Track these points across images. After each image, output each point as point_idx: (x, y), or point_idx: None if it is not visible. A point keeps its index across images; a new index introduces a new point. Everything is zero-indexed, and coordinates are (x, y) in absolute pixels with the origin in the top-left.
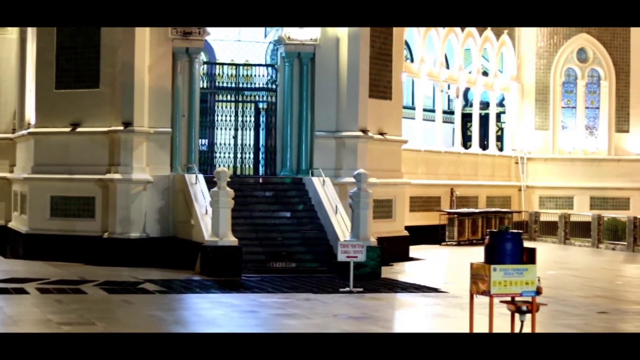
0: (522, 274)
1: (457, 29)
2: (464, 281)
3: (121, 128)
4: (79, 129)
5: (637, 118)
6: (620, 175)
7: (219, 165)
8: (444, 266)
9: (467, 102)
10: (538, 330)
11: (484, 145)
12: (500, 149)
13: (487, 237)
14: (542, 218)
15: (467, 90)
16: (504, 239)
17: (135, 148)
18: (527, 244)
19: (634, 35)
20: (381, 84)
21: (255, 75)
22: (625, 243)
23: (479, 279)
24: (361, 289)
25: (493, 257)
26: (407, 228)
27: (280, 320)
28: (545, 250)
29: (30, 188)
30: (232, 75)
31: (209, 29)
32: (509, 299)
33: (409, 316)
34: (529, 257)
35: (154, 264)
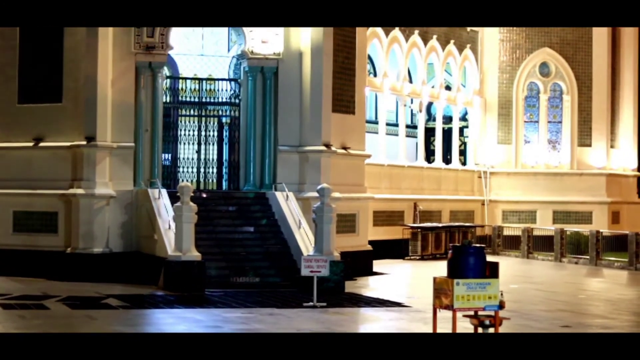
0: (485, 288)
1: (420, 43)
2: (428, 295)
3: (84, 143)
4: (41, 144)
5: (600, 132)
6: (583, 190)
7: (182, 180)
8: (408, 280)
9: (430, 117)
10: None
11: (447, 159)
12: (464, 163)
13: (450, 251)
14: (505, 232)
15: (430, 104)
16: (466, 253)
17: (98, 163)
18: (490, 258)
19: (596, 50)
20: (344, 99)
21: (218, 90)
22: (588, 257)
23: (442, 293)
24: (325, 304)
25: (456, 271)
26: (370, 242)
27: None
28: (508, 264)
29: None
30: (195, 89)
31: (172, 43)
32: (472, 313)
33: (373, 330)
34: (492, 271)
35: (117, 279)
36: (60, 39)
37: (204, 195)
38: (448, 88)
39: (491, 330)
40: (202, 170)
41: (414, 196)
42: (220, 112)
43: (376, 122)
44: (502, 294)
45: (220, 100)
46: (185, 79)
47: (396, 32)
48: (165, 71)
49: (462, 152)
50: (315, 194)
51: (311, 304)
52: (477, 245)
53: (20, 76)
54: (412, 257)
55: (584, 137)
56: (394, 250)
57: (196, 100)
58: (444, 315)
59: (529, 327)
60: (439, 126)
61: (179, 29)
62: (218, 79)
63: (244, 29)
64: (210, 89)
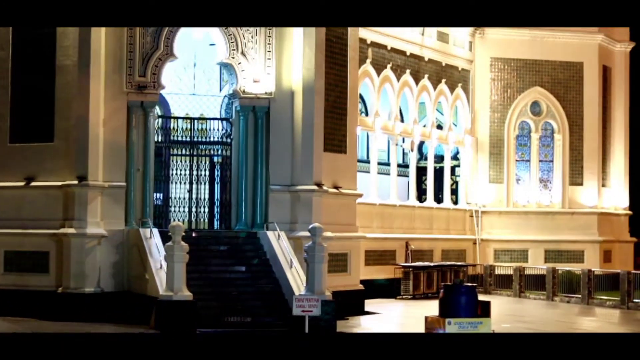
0: (477, 327)
1: (412, 83)
2: None
3: (75, 182)
4: (33, 183)
5: (591, 171)
6: (575, 228)
7: (174, 220)
8: (400, 320)
9: (422, 156)
10: None
11: (438, 198)
12: (455, 203)
13: (442, 290)
14: (497, 271)
15: (421, 143)
16: (458, 292)
17: (89, 202)
18: (482, 297)
19: (587, 89)
20: (336, 138)
21: (210, 129)
22: (579, 296)
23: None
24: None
25: (448, 310)
26: (362, 282)
27: None
28: (500, 303)
29: None
30: (187, 129)
31: (163, 82)
32: None
33: None
34: (484, 310)
35: (109, 318)
36: (52, 78)
37: (196, 235)
38: (440, 127)
39: None
40: (193, 209)
41: (406, 235)
42: (212, 152)
43: (368, 162)
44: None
45: (212, 139)
46: (177, 118)
47: (388, 71)
48: (157, 110)
49: (454, 191)
50: (307, 234)
51: None
52: (469, 284)
53: (11, 115)
54: (404, 297)
55: (575, 176)
56: (386, 289)
57: (188, 139)
58: None
59: None
60: (430, 165)
61: (170, 68)
62: (210, 119)
63: (236, 68)
64: (202, 129)
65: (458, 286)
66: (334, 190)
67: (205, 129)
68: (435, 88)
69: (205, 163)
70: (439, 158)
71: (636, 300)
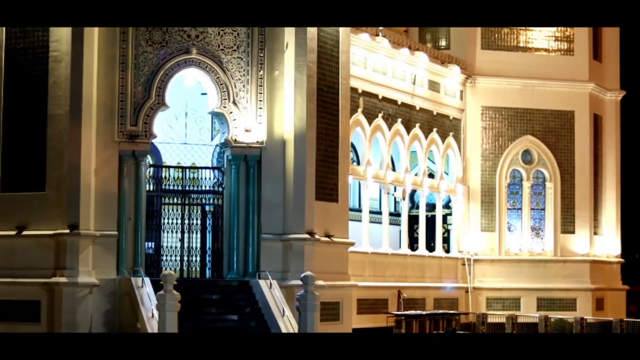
0: None
1: (403, 132)
2: None
3: (67, 231)
4: (24, 232)
5: (583, 219)
6: (567, 276)
7: (166, 269)
8: None
9: (414, 204)
10: None
11: (430, 247)
12: (447, 251)
13: None
14: (490, 319)
15: (413, 192)
16: None
17: (81, 251)
18: None
19: (578, 137)
20: (328, 187)
21: (201, 178)
22: None
23: None
24: None
25: None
26: (354, 330)
27: None
28: None
29: None
30: (178, 178)
31: (155, 132)
32: None
33: None
34: None
35: None
36: (44, 128)
37: (188, 284)
38: (431, 176)
39: None
40: (185, 258)
41: (398, 284)
42: (203, 201)
43: (359, 210)
44: None
45: (203, 188)
46: (169, 167)
47: (379, 120)
48: (149, 159)
49: (446, 240)
50: (299, 282)
51: None
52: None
53: (3, 164)
54: None
55: (567, 224)
56: None
57: (179, 188)
58: None
59: None
60: (422, 214)
61: (162, 118)
62: (201, 167)
63: (227, 117)
64: (193, 178)
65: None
66: (326, 239)
67: (197, 177)
68: (426, 137)
69: (197, 212)
70: (431, 206)
71: None
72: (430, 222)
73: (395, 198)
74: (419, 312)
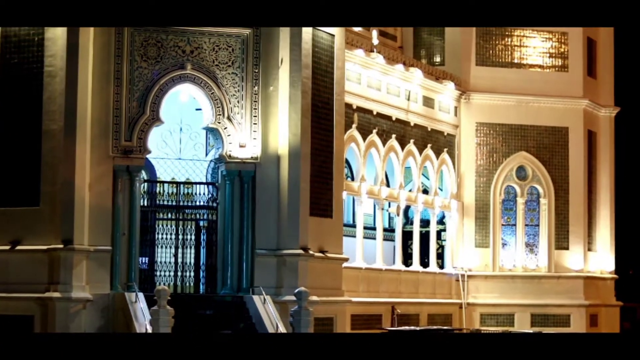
0: None
1: (397, 147)
2: None
3: (61, 246)
4: (18, 247)
5: (577, 235)
6: (561, 293)
7: (160, 284)
8: None
9: (408, 220)
10: None
11: (424, 262)
12: (441, 267)
13: None
14: None
15: (407, 208)
16: None
17: (75, 266)
18: None
19: (572, 153)
20: (322, 202)
21: (196, 194)
22: None
23: None
24: None
25: None
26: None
27: None
28: None
29: None
30: (172, 193)
31: (149, 147)
32: None
33: None
34: None
35: None
36: (38, 143)
37: (181, 299)
38: (425, 192)
39: None
40: (179, 273)
41: (392, 299)
42: (197, 216)
43: (354, 226)
44: None
45: (197, 204)
46: (163, 182)
47: (373, 136)
48: (143, 175)
49: (440, 256)
50: (293, 298)
51: None
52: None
53: None
54: None
55: (561, 240)
56: None
57: (174, 204)
58: None
59: None
60: (416, 230)
61: (156, 133)
62: (196, 183)
63: (222, 132)
64: (187, 193)
65: None
66: (320, 255)
67: (191, 193)
68: (421, 153)
69: (191, 227)
70: (425, 222)
71: None
72: (424, 238)
73: (389, 214)
74: (412, 327)
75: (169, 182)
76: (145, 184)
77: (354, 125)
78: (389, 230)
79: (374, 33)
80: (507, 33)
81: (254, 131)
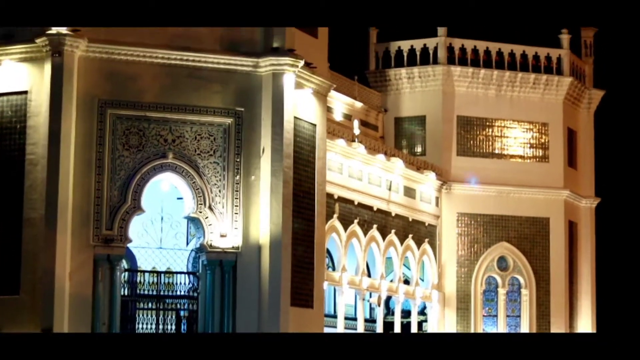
0: None
1: (379, 238)
2: None
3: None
4: None
5: (558, 326)
6: None
7: None
8: None
9: (389, 311)
10: None
11: None
12: None
13: None
14: None
15: (388, 298)
16: None
17: None
18: None
19: (553, 244)
20: (303, 292)
21: (176, 283)
22: None
23: None
24: None
25: None
26: None
27: None
28: None
29: None
30: (153, 282)
31: (130, 236)
32: None
33: None
34: None
35: None
36: (19, 231)
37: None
38: (407, 282)
39: None
40: None
41: None
42: (178, 306)
43: (335, 316)
44: None
45: (178, 293)
46: (144, 272)
47: (355, 226)
48: (124, 264)
49: None
50: None
51: None
52: None
53: None
54: None
55: (542, 331)
56: None
57: (154, 293)
58: None
59: None
60: (397, 320)
61: (137, 222)
62: (176, 272)
63: (203, 222)
64: (168, 282)
65: None
66: None
67: (172, 282)
68: (402, 243)
69: (171, 317)
70: (406, 313)
71: None
72: (406, 328)
73: (370, 304)
74: None
75: (149, 272)
76: (126, 273)
77: (335, 215)
78: (370, 321)
79: (356, 123)
80: (487, 124)
81: (235, 220)
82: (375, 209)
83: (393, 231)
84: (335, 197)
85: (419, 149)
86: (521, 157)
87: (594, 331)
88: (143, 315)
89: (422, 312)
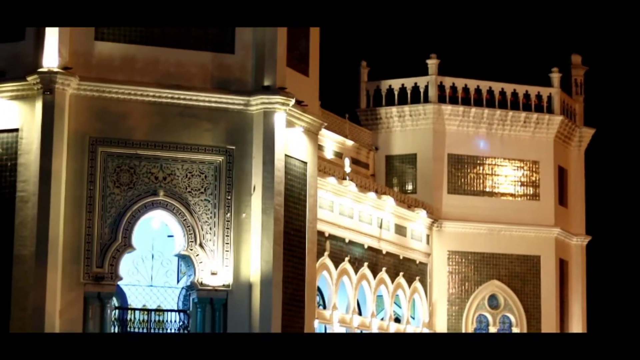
0: None
1: (369, 276)
2: None
3: None
4: None
5: None
6: None
7: None
8: None
9: None
10: None
11: None
12: None
13: None
14: None
15: None
16: None
17: None
18: None
19: (544, 282)
20: (294, 331)
21: (167, 321)
22: None
23: None
24: None
25: None
26: None
27: None
28: None
29: None
30: (144, 320)
31: (121, 274)
32: None
33: None
34: None
35: None
36: (9, 268)
37: None
38: (397, 320)
39: None
40: None
41: None
42: None
43: None
44: None
45: (169, 331)
46: (134, 309)
47: (345, 264)
48: (114, 302)
49: None
50: None
51: None
52: None
53: None
54: None
55: None
56: None
57: (145, 331)
58: None
59: None
60: None
61: (128, 259)
62: (167, 310)
63: (194, 260)
64: (159, 320)
65: None
66: None
67: (162, 320)
68: (393, 281)
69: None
70: None
71: None
72: None
73: None
74: None
75: (140, 309)
76: (117, 310)
77: (326, 253)
78: None
79: (347, 161)
80: (478, 162)
81: (226, 258)
82: (366, 246)
83: (384, 269)
84: (326, 234)
85: (409, 187)
86: (512, 195)
87: None
88: None
89: None
